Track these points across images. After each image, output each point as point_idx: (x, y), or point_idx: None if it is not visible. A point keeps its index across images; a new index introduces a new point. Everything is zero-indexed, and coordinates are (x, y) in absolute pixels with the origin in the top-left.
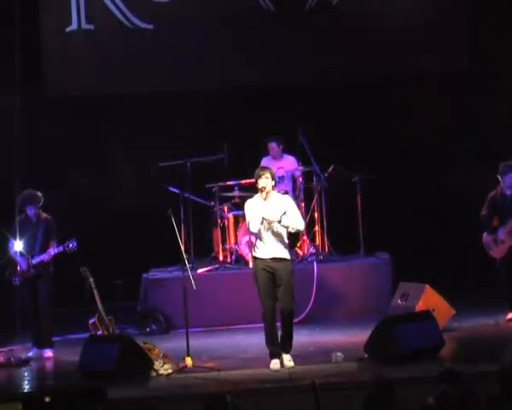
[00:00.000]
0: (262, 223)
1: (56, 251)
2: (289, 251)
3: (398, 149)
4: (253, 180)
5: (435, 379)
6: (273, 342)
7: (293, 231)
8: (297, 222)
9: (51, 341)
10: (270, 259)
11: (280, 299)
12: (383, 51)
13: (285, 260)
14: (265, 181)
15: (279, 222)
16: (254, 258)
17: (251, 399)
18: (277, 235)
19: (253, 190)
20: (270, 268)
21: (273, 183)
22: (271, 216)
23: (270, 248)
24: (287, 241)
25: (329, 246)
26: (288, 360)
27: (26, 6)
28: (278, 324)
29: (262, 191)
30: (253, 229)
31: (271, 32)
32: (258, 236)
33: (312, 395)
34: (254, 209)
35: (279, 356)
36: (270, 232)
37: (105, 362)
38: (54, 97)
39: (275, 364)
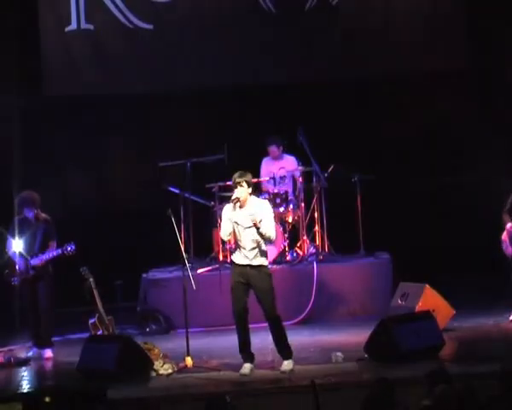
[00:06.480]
0: (233, 230)
1: (55, 254)
2: (266, 257)
3: (398, 149)
4: (255, 180)
5: (426, 380)
6: (242, 348)
7: (265, 239)
8: (268, 230)
9: (51, 341)
10: (246, 266)
11: (262, 307)
12: (383, 51)
13: (261, 266)
14: (240, 191)
15: (258, 229)
16: (232, 262)
17: (251, 399)
18: (254, 241)
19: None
20: (246, 274)
21: (250, 190)
22: (245, 222)
23: (246, 255)
24: (264, 247)
25: (329, 246)
26: (285, 364)
27: (25, 6)
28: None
29: (235, 202)
30: (223, 236)
31: (271, 32)
32: (235, 240)
33: (312, 395)
34: (227, 216)
35: (250, 360)
36: (246, 238)
37: (105, 362)
38: (54, 97)
39: (244, 368)
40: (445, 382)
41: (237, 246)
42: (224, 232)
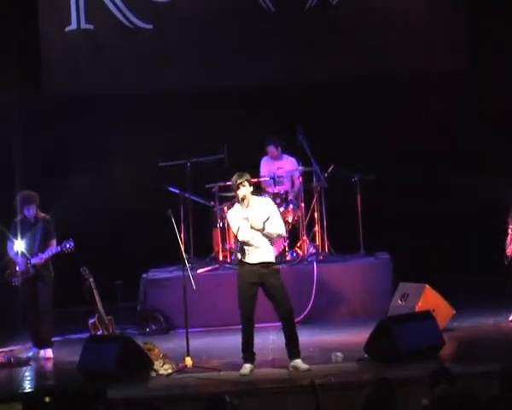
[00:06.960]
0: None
1: (54, 251)
2: (273, 253)
3: (398, 149)
4: (254, 179)
5: (429, 379)
6: (245, 347)
7: (274, 237)
8: (278, 228)
9: (51, 341)
10: (258, 264)
11: (276, 303)
12: (383, 51)
13: (271, 263)
14: (244, 190)
15: (263, 230)
16: (241, 262)
17: (251, 399)
18: (263, 239)
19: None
20: (258, 273)
21: (251, 189)
22: (257, 223)
23: (257, 254)
24: (271, 244)
25: (329, 246)
26: (301, 363)
27: (25, 6)
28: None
29: (243, 200)
30: (244, 237)
31: (271, 31)
32: (244, 241)
33: (312, 395)
34: (239, 218)
35: (251, 361)
36: (256, 237)
37: (105, 362)
38: (54, 97)
39: (244, 368)
40: (448, 381)
41: (246, 245)
42: (244, 233)
